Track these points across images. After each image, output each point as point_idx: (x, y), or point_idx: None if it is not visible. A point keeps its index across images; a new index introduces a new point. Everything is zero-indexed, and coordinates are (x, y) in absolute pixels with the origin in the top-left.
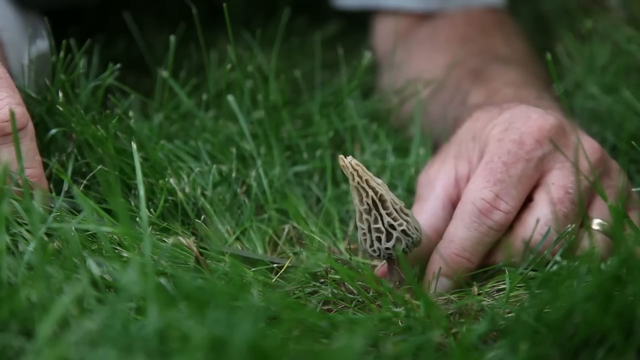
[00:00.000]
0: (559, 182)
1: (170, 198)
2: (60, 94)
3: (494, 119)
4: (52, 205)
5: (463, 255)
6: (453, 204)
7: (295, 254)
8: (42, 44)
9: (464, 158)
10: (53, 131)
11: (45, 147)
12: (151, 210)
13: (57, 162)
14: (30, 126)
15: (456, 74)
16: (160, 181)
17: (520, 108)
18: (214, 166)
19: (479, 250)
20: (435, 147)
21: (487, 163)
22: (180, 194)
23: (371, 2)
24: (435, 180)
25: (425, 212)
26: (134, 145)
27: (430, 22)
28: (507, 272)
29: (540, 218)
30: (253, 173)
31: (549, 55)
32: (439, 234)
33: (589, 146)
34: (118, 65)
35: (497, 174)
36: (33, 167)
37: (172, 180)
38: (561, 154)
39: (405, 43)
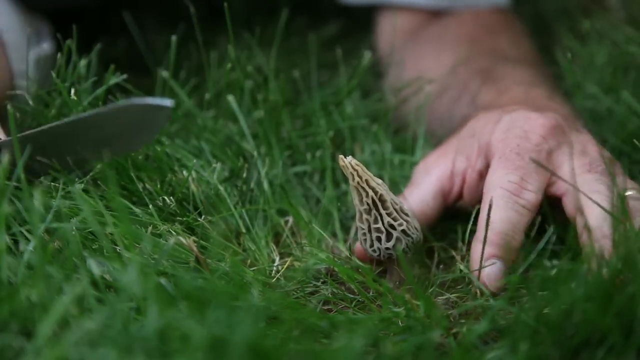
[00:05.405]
0: (573, 164)
1: (171, 197)
2: (63, 93)
3: (495, 120)
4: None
5: (507, 233)
6: (444, 196)
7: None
8: (46, 46)
9: (463, 154)
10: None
11: None
12: (159, 205)
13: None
14: None
15: (464, 73)
16: (169, 175)
17: (519, 111)
18: (219, 164)
19: (519, 230)
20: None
21: (500, 157)
22: (194, 187)
23: None
24: (432, 170)
25: (415, 198)
26: None
27: (438, 21)
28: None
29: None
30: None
31: (569, 55)
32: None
33: (589, 142)
34: (124, 76)
35: (515, 162)
36: None
37: (179, 177)
38: (566, 149)
39: (413, 41)
